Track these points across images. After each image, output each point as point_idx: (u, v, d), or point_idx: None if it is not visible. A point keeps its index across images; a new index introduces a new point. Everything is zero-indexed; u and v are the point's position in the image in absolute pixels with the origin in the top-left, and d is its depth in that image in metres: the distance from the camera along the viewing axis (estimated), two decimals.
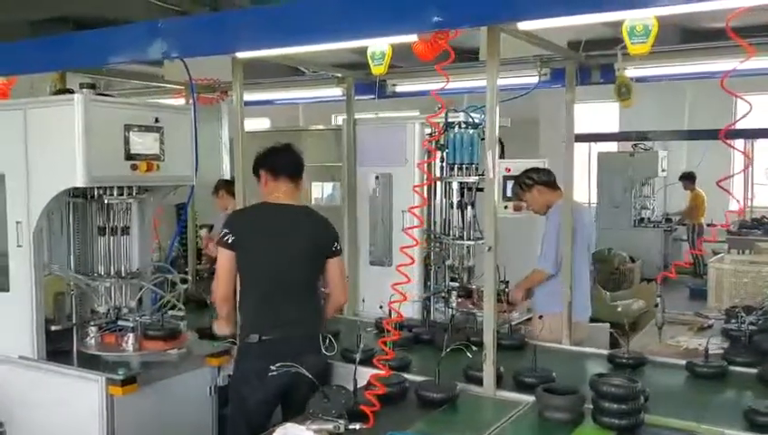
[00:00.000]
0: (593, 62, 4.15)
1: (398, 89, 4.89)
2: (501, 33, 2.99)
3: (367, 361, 3.73)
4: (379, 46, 3.03)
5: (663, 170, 11.35)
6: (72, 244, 3.80)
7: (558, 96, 4.44)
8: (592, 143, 11.57)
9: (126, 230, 3.78)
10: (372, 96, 5.17)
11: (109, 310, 3.70)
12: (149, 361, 3.55)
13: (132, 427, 3.40)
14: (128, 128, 3.50)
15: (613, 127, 12.92)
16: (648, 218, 11.43)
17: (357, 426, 2.58)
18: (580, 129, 10.29)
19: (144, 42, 3.38)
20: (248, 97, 4.43)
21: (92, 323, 3.68)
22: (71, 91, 3.58)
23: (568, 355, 3.90)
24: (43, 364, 3.54)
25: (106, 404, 3.31)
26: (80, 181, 3.34)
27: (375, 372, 3.34)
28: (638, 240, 10.62)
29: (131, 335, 3.53)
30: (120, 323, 3.67)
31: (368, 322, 4.56)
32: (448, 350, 3.05)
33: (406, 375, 3.41)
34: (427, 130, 4.54)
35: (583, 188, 10.50)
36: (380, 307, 4.10)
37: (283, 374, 3.09)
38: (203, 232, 5.75)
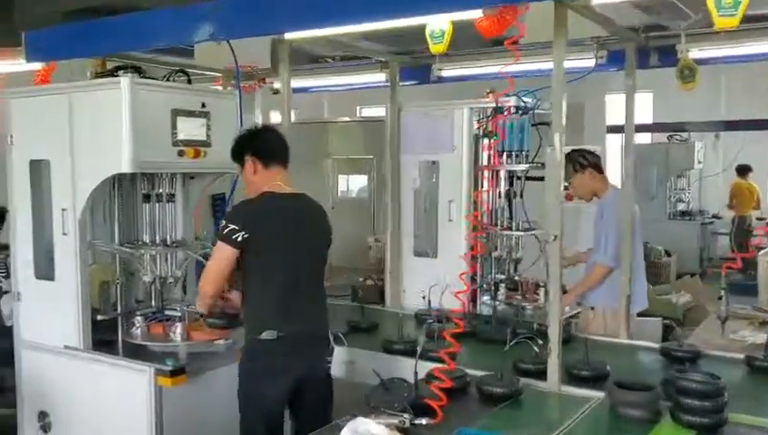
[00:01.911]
0: (651, 45, 3.98)
1: (445, 73, 4.73)
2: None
3: (411, 352, 3.64)
4: (438, 24, 2.91)
5: (699, 162, 11.10)
6: (115, 215, 3.70)
7: (602, 82, 4.30)
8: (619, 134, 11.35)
9: (171, 197, 3.67)
10: (414, 82, 5.03)
11: (155, 279, 3.60)
12: (196, 351, 3.46)
13: (180, 418, 3.31)
14: (175, 113, 3.40)
15: (646, 118, 12.64)
16: (684, 211, 11.19)
17: (423, 421, 2.46)
18: (613, 120, 10.09)
19: (189, 24, 3.29)
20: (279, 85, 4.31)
21: (139, 313, 3.59)
22: (114, 75, 3.48)
23: (617, 348, 3.78)
24: (89, 354, 3.47)
25: (154, 395, 3.23)
26: (126, 167, 3.25)
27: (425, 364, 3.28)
28: (673, 234, 10.39)
29: (179, 325, 3.43)
30: (168, 312, 3.57)
31: (407, 314, 4.46)
32: (512, 343, 2.92)
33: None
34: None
35: (617, 180, 10.27)
36: (423, 298, 4.01)
37: (298, 371, 3.07)
38: None
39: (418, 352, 2.80)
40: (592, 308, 4.14)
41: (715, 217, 11.22)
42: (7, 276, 4.06)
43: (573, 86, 4.55)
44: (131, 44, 3.75)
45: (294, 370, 3.08)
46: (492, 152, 4.41)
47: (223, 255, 3.01)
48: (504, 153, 4.31)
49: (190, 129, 3.47)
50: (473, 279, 4.49)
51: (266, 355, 3.04)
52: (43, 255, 3.63)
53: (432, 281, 4.22)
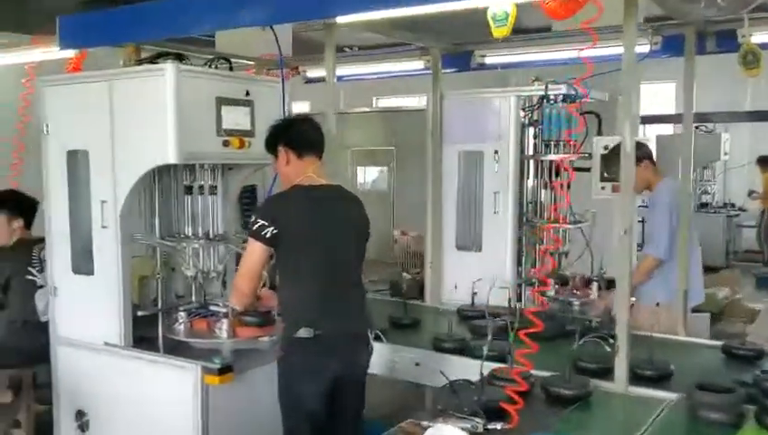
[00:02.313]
0: (709, 30, 3.81)
1: (488, 61, 4.57)
2: None
3: (460, 350, 3.52)
4: (501, 6, 2.75)
5: (726, 153, 10.90)
6: (155, 207, 3.57)
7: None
8: (647, 125, 11.13)
9: (213, 189, 3.54)
10: (452, 70, 4.87)
11: (197, 273, 3.48)
12: (240, 349, 3.33)
13: (225, 417, 3.19)
14: (219, 101, 3.27)
15: (669, 109, 12.42)
16: (710, 203, 11.01)
17: (498, 426, 2.33)
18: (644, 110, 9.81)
19: (233, 9, 3.16)
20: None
21: (181, 308, 3.47)
22: (153, 62, 3.35)
23: (676, 346, 3.62)
24: (130, 352, 3.35)
25: (201, 393, 3.11)
26: (172, 158, 3.12)
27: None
28: (698, 226, 10.18)
29: (225, 321, 3.31)
30: (212, 308, 3.45)
31: (449, 309, 4.33)
32: (581, 342, 2.79)
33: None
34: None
35: None
36: (475, 293, 3.88)
37: (336, 371, 2.94)
38: None
39: (485, 353, 2.67)
40: (657, 304, 3.96)
41: (740, 209, 11.03)
42: (41, 270, 3.95)
43: (608, 76, 4.44)
44: (170, 31, 3.61)
45: (332, 369, 2.94)
46: (537, 142, 4.29)
47: (254, 251, 2.91)
48: (552, 143, 4.18)
49: (235, 118, 3.34)
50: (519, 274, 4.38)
51: (303, 354, 2.93)
52: (80, 249, 3.52)
53: (476, 276, 4.12)
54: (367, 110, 11.32)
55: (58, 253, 3.60)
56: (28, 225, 4.07)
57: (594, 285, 4.31)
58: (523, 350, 2.62)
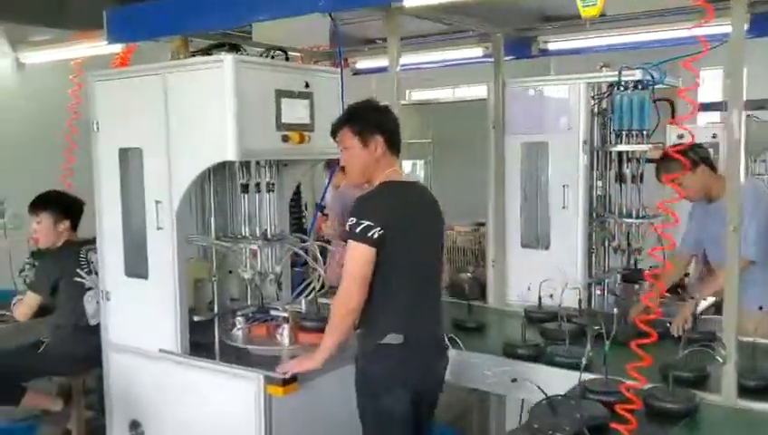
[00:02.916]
0: None
1: (551, 47, 4.32)
2: None
3: (534, 357, 3.29)
4: None
5: None
6: (211, 207, 3.40)
7: None
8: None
9: (271, 187, 3.34)
10: (509, 57, 4.61)
11: (254, 276, 3.29)
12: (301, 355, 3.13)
13: (289, 429, 3.00)
14: (279, 94, 3.07)
15: (716, 96, 11.89)
16: None
17: None
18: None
19: None
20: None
21: (239, 313, 3.29)
22: (207, 53, 3.16)
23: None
24: (188, 359, 3.18)
25: (264, 405, 2.92)
26: (231, 155, 2.93)
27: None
28: None
29: (286, 327, 3.12)
30: (272, 312, 3.26)
31: (514, 311, 4.10)
32: (687, 352, 2.54)
33: (592, 375, 2.96)
34: None
35: None
36: (551, 296, 3.63)
37: (420, 379, 2.76)
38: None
39: (584, 364, 2.44)
40: (761, 308, 3.65)
41: None
42: (90, 272, 3.80)
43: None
44: (225, 21, 3.42)
45: (418, 376, 2.77)
46: (606, 132, 4.03)
47: (362, 256, 2.64)
48: (623, 133, 3.92)
49: (294, 111, 3.14)
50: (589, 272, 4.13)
51: (390, 361, 2.72)
52: (134, 251, 3.35)
53: (543, 275, 3.87)
54: (404, 102, 11.17)
55: (110, 256, 3.44)
56: (74, 226, 3.92)
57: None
58: (635, 362, 2.37)
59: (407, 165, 8.92)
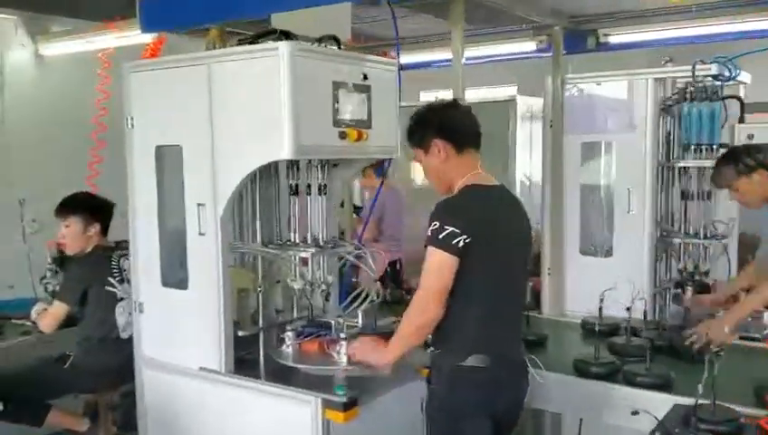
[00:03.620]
0: None
1: (612, 39, 4.03)
2: None
3: (609, 375, 3.01)
4: None
5: None
6: (256, 210, 3.10)
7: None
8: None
9: (323, 189, 3.04)
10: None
11: (304, 285, 2.99)
12: (359, 376, 2.84)
13: None
14: (336, 86, 2.78)
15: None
16: None
17: None
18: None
19: None
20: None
21: (289, 328, 3.00)
22: (253, 42, 2.87)
23: None
24: (231, 378, 2.89)
25: (322, 431, 2.63)
26: (287, 153, 2.63)
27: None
28: None
29: (344, 344, 2.82)
30: (332, 329, 2.95)
31: (572, 322, 3.82)
32: None
33: (676, 397, 2.69)
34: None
35: None
36: (628, 309, 3.32)
37: (503, 404, 2.48)
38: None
39: (701, 391, 2.14)
40: None
41: None
42: (122, 281, 3.51)
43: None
44: (267, 6, 3.15)
45: (501, 404, 2.48)
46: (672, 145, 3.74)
47: (443, 264, 2.34)
48: (692, 147, 3.63)
49: (351, 106, 2.85)
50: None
51: (473, 386, 2.43)
52: (172, 259, 3.07)
53: (603, 284, 3.57)
54: (413, 103, 10.89)
55: (144, 263, 3.15)
56: (104, 230, 3.63)
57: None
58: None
59: (419, 168, 8.67)
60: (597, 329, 3.23)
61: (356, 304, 3.20)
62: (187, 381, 3.02)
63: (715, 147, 3.63)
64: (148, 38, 3.77)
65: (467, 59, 4.67)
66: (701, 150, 3.62)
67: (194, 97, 2.85)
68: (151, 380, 3.19)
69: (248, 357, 3.03)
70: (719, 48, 3.82)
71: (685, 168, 3.72)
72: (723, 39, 3.96)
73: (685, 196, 3.77)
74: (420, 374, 2.98)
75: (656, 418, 2.07)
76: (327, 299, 3.21)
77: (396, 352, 2.56)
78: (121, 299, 3.50)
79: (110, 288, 3.49)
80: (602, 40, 4.01)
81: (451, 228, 2.33)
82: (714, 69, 3.47)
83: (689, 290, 3.81)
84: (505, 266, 2.47)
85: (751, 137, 3.93)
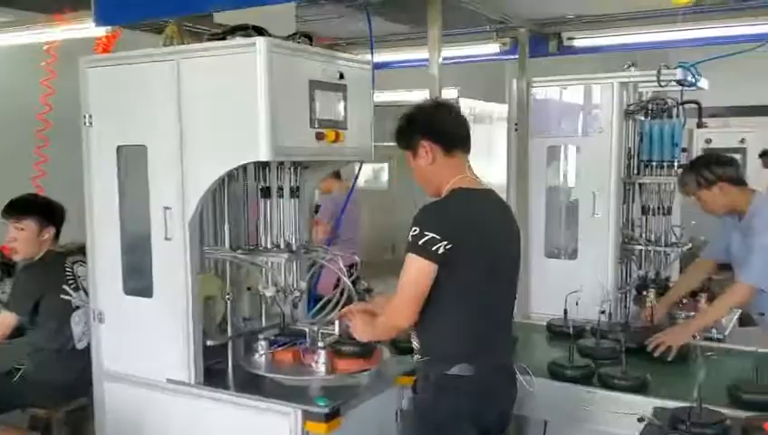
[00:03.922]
0: None
1: (577, 43, 4.05)
2: None
3: (583, 379, 3.01)
4: None
5: None
6: (225, 214, 2.95)
7: None
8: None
9: (295, 191, 2.94)
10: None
11: (277, 292, 2.88)
12: (337, 385, 2.75)
13: None
14: (313, 85, 2.68)
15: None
16: None
17: None
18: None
19: None
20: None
21: (262, 337, 2.88)
22: (224, 38, 2.73)
23: None
24: (202, 390, 2.75)
25: None
26: (264, 154, 2.51)
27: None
28: None
29: (323, 353, 2.72)
30: (303, 336, 2.85)
31: (537, 324, 3.82)
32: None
33: (654, 400, 2.71)
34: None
35: None
36: (602, 312, 3.33)
37: (491, 416, 2.43)
38: None
39: (698, 390, 2.14)
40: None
41: None
42: (77, 289, 3.31)
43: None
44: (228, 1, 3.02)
45: (487, 413, 2.43)
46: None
47: (421, 272, 2.27)
48: (653, 163, 3.71)
49: (328, 106, 2.76)
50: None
51: (459, 395, 2.36)
52: (135, 265, 2.91)
53: (570, 287, 3.59)
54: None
55: (104, 270, 2.98)
56: (57, 235, 3.41)
57: (702, 298, 3.86)
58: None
59: (366, 169, 8.63)
60: (571, 331, 3.23)
61: (326, 312, 3.14)
62: (153, 394, 2.87)
63: (676, 163, 3.69)
64: (101, 32, 3.56)
65: (409, 61, 4.64)
66: (662, 167, 3.68)
67: (161, 94, 2.71)
68: (112, 393, 3.02)
69: (217, 367, 2.90)
70: (677, 55, 3.90)
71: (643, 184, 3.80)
72: (678, 46, 4.04)
73: (645, 211, 3.84)
74: (397, 384, 2.92)
75: (647, 420, 2.05)
76: (295, 306, 3.11)
77: (366, 334, 2.59)
78: (77, 308, 3.30)
79: (65, 296, 3.29)
80: (566, 43, 4.01)
81: (431, 234, 2.26)
82: (679, 74, 3.53)
83: (652, 292, 3.87)
84: (493, 272, 2.42)
85: (709, 141, 4.02)
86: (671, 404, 2.54)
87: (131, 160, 2.87)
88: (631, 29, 3.92)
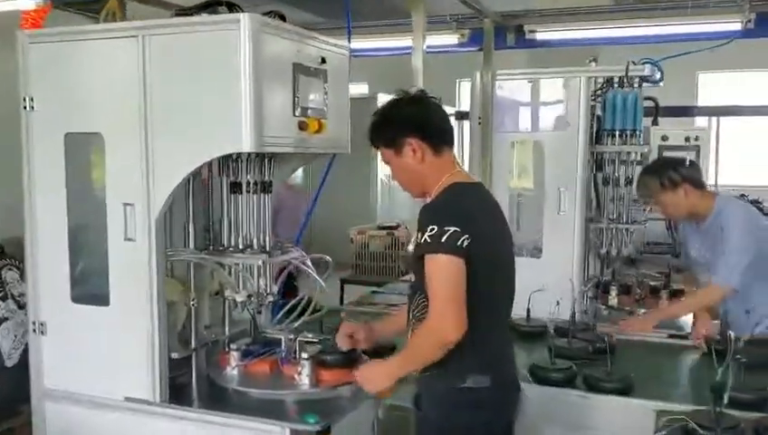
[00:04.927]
0: None
1: (540, 36, 3.96)
2: None
3: (567, 382, 2.91)
4: None
5: None
6: (189, 211, 2.66)
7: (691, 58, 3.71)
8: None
9: (268, 187, 2.67)
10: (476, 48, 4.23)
11: (249, 298, 2.61)
12: (322, 398, 2.51)
13: None
14: (297, 69, 2.44)
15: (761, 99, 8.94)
16: None
17: None
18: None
19: None
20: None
21: (234, 346, 2.60)
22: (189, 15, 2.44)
23: None
24: (168, 409, 2.45)
25: None
26: (247, 145, 2.25)
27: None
28: None
29: (307, 365, 2.48)
30: (278, 344, 2.59)
31: None
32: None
33: (645, 401, 2.67)
34: None
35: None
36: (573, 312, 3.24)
37: (503, 429, 2.33)
38: None
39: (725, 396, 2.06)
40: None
41: None
42: (5, 298, 2.91)
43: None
44: None
45: (498, 427, 2.29)
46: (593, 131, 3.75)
47: (454, 270, 2.07)
48: (616, 132, 3.66)
49: (311, 93, 2.52)
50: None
51: (473, 410, 2.19)
52: (86, 270, 2.57)
53: (533, 285, 3.50)
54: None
55: (47, 276, 2.61)
56: None
57: (664, 295, 3.88)
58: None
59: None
60: (516, 329, 3.14)
61: (293, 317, 2.90)
62: (107, 415, 2.54)
63: (638, 132, 3.65)
64: (30, 4, 3.16)
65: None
66: (625, 135, 3.64)
67: (121, 76, 2.39)
68: (55, 414, 2.65)
69: (180, 382, 2.61)
70: (633, 50, 3.89)
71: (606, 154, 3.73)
72: (635, 42, 4.04)
73: (606, 182, 3.79)
74: (378, 395, 2.71)
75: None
76: (259, 312, 2.85)
77: (397, 374, 2.29)
78: (5, 319, 2.90)
79: None
80: (529, 36, 3.92)
81: (452, 228, 2.07)
82: (647, 70, 3.50)
83: (614, 290, 3.85)
84: (501, 270, 2.27)
85: (665, 138, 4.04)
86: (668, 406, 2.52)
87: (83, 150, 2.54)
88: (590, 24, 3.87)
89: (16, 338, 2.84)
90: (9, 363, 2.89)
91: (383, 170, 6.50)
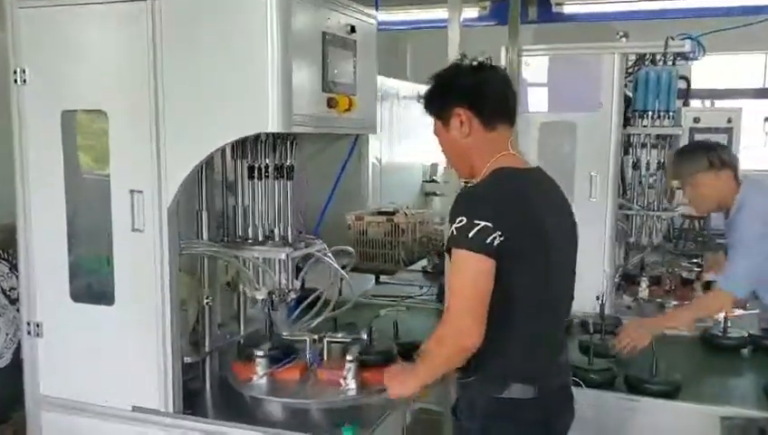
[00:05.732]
0: None
1: (567, 10, 3.70)
2: None
3: (608, 384, 2.69)
4: None
5: None
6: (203, 199, 2.41)
7: None
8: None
9: (289, 172, 2.40)
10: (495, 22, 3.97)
11: (270, 295, 2.36)
12: (361, 405, 2.25)
13: None
14: (326, 41, 2.16)
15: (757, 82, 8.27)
16: None
17: None
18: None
19: None
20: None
21: (257, 351, 2.33)
22: None
23: None
24: (183, 421, 2.19)
25: None
26: (275, 124, 1.97)
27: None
28: None
29: (352, 368, 2.22)
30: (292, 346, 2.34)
31: None
32: None
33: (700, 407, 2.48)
34: None
35: None
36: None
37: None
38: None
39: None
40: None
41: None
42: None
43: None
44: None
45: None
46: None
47: (479, 271, 1.84)
48: (648, 113, 3.43)
49: (341, 66, 2.25)
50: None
51: (515, 423, 1.95)
52: (88, 265, 2.29)
53: None
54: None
55: (43, 271, 2.32)
56: None
57: (697, 286, 3.67)
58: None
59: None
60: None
61: (312, 314, 2.67)
62: (112, 426, 2.27)
63: (671, 114, 3.42)
64: None
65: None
66: (659, 116, 3.40)
67: (129, 46, 2.10)
68: (53, 425, 2.37)
69: (191, 388, 2.35)
70: (659, 27, 3.64)
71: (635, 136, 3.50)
72: (678, 16, 3.78)
73: (636, 166, 3.57)
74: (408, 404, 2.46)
75: None
76: (275, 309, 2.60)
77: (418, 383, 2.07)
78: None
79: None
80: (555, 10, 3.66)
81: (483, 223, 1.82)
82: (687, 46, 3.25)
83: (644, 281, 3.64)
84: (550, 269, 2.01)
85: (697, 120, 3.81)
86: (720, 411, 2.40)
87: (84, 129, 2.24)
88: None
89: (8, 336, 2.57)
90: (0, 364, 2.61)
91: (373, 154, 6.25)
